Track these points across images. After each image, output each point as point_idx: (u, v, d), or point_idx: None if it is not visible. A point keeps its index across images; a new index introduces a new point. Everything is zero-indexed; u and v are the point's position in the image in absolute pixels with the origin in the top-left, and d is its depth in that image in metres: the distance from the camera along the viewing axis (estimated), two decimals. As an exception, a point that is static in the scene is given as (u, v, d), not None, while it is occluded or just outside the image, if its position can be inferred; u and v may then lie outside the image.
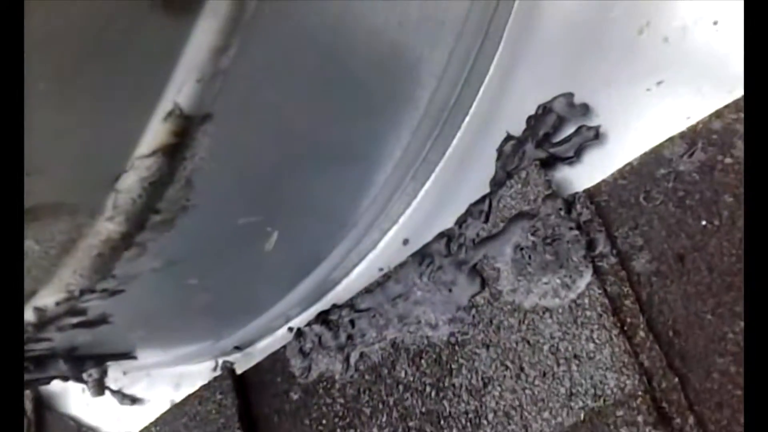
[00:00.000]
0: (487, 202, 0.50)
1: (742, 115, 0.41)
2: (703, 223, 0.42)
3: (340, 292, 0.60)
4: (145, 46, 0.35)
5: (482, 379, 0.49)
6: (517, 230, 0.48)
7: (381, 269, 0.58)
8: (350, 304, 0.57)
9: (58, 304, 0.41)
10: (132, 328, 0.50)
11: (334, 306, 0.59)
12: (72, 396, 0.78)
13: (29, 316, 0.43)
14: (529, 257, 0.47)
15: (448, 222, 0.53)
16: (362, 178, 0.52)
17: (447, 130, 0.54)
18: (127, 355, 0.55)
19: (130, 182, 0.38)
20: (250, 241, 0.48)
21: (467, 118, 0.54)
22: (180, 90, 0.37)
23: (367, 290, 0.56)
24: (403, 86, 0.49)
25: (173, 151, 0.39)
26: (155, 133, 0.37)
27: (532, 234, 0.47)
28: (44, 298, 0.42)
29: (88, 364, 0.51)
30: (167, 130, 0.38)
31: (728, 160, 0.41)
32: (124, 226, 0.39)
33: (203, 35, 0.37)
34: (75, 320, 0.44)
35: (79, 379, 0.64)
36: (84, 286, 0.41)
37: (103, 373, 0.55)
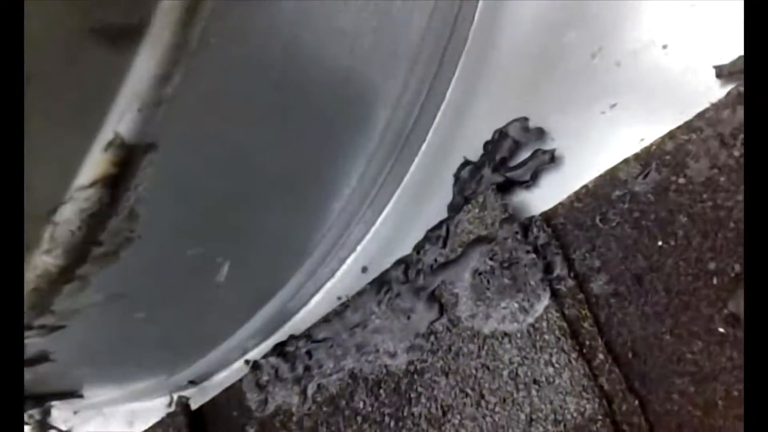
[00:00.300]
0: (444, 227, 0.49)
1: (694, 135, 0.41)
2: (659, 243, 0.41)
3: (298, 322, 0.59)
4: (84, 74, 0.34)
5: (442, 407, 0.47)
6: (475, 255, 0.47)
7: (339, 298, 0.56)
8: (307, 335, 0.56)
9: (-9, 342, 0.39)
10: (76, 365, 0.47)
11: (291, 337, 0.57)
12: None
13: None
14: (488, 282, 0.46)
15: (407, 248, 0.52)
16: (318, 207, 0.51)
17: (404, 157, 0.53)
18: (73, 394, 0.53)
19: (68, 214, 0.36)
20: (200, 272, 0.46)
21: (424, 145, 0.54)
22: (121, 119, 0.36)
23: (325, 320, 0.55)
24: (358, 114, 0.48)
25: (115, 182, 0.37)
26: (95, 163, 0.36)
27: (490, 258, 0.46)
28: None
29: (28, 404, 0.48)
30: (108, 161, 0.36)
31: (681, 180, 0.41)
32: (63, 260, 0.37)
33: (144, 64, 0.35)
34: (13, 360, 0.42)
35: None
36: (21, 323, 0.39)
37: (46, 414, 0.52)
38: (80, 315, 0.42)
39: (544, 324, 0.43)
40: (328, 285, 0.57)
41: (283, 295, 0.56)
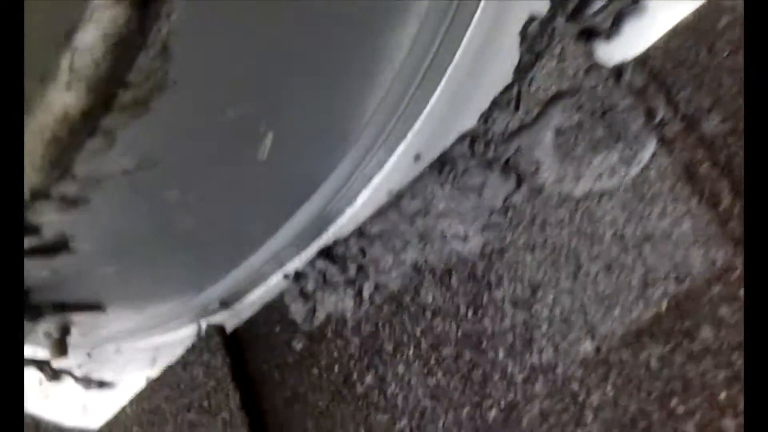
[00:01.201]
0: (515, 88, 0.43)
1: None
2: (784, 67, 0.36)
3: (343, 226, 0.52)
4: None
5: (529, 286, 0.41)
6: (557, 112, 0.41)
7: (390, 192, 0.50)
8: (358, 231, 0.49)
9: (4, 212, 0.32)
10: (98, 261, 0.40)
11: (336, 242, 0.50)
12: (26, 389, 0.67)
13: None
14: (575, 138, 0.40)
15: (465, 129, 0.45)
16: (365, 79, 0.44)
17: (458, 21, 0.47)
18: (95, 307, 0.45)
19: (90, 38, 0.29)
20: (242, 141, 0.39)
21: (481, 4, 0.47)
22: None
23: (378, 213, 0.48)
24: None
25: (144, 5, 0.30)
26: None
27: (577, 111, 0.40)
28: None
29: (46, 313, 0.41)
30: (139, -24, 0.29)
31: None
32: (86, 99, 0.30)
33: None
34: (27, 242, 0.35)
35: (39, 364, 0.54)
36: (36, 186, 0.32)
37: (65, 331, 0.44)
38: (105, 188, 0.35)
39: (652, 173, 0.37)
40: (377, 179, 0.51)
41: (326, 190, 0.49)
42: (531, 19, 0.45)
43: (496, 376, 0.42)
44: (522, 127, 0.42)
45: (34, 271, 0.37)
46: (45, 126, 0.30)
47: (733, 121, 0.37)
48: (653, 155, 0.38)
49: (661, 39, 0.40)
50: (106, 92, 0.31)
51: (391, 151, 0.50)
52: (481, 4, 0.48)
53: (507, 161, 0.43)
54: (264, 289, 0.55)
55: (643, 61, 0.39)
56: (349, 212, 0.52)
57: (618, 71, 0.39)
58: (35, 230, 0.34)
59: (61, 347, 0.44)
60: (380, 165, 0.50)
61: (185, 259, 0.48)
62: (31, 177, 0.31)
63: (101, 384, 0.62)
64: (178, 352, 0.56)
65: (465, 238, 0.44)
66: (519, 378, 0.41)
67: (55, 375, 0.60)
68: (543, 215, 0.41)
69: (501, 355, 0.42)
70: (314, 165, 0.47)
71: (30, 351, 0.57)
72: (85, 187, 0.34)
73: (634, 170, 0.38)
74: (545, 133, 0.41)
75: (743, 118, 0.36)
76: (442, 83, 0.49)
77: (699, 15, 0.38)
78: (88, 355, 0.62)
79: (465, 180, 0.44)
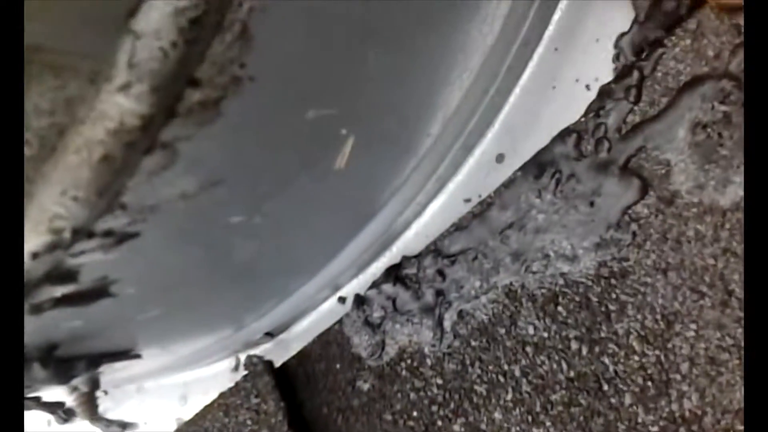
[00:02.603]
0: (635, 73, 0.36)
1: None
2: None
3: (410, 241, 0.45)
4: None
5: (663, 317, 0.34)
6: (694, 102, 0.34)
7: (468, 200, 0.43)
8: (434, 250, 0.42)
9: (35, 256, 0.24)
10: (144, 304, 0.33)
11: (406, 258, 0.43)
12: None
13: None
14: (720, 135, 0.33)
15: (562, 123, 0.39)
16: (448, 68, 0.37)
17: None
18: (129, 354, 0.38)
19: (159, 18, 0.22)
20: (321, 148, 0.32)
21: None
22: None
23: (458, 227, 0.41)
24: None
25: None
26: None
27: (721, 102, 0.33)
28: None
29: (78, 368, 0.34)
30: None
31: None
32: (148, 103, 0.23)
33: None
34: (61, 291, 0.27)
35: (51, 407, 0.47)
36: (79, 222, 0.25)
37: (94, 384, 0.37)
38: (160, 214, 0.28)
39: (829, 177, 0.31)
40: (450, 186, 0.44)
41: (396, 204, 0.42)
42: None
43: (622, 428, 0.35)
44: (646, 121, 0.36)
45: (65, 322, 0.29)
46: (94, 142, 0.23)
47: None
48: (829, 155, 0.31)
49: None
50: (173, 94, 0.24)
51: (468, 152, 0.43)
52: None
53: (627, 163, 0.36)
54: (315, 316, 0.48)
55: (803, 38, 0.33)
56: (417, 225, 0.45)
57: (773, 51, 0.33)
58: (72, 276, 0.27)
59: (90, 405, 0.37)
60: (455, 168, 0.43)
61: (236, 295, 0.41)
62: (75, 209, 0.24)
63: (123, 426, 0.55)
64: (212, 388, 0.49)
65: (573, 258, 0.37)
66: (653, 430, 0.34)
67: (67, 417, 0.53)
68: (678, 230, 0.34)
69: (628, 401, 0.35)
70: (389, 172, 0.40)
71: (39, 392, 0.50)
72: (135, 218, 0.27)
73: (804, 174, 0.31)
74: (677, 130, 0.35)
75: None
76: (529, 69, 0.42)
77: None
78: (105, 392, 0.55)
79: (571, 186, 0.38)
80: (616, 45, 0.37)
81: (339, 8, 0.28)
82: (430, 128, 0.39)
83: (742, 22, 0.33)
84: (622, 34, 0.37)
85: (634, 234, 0.36)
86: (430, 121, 0.39)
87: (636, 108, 0.36)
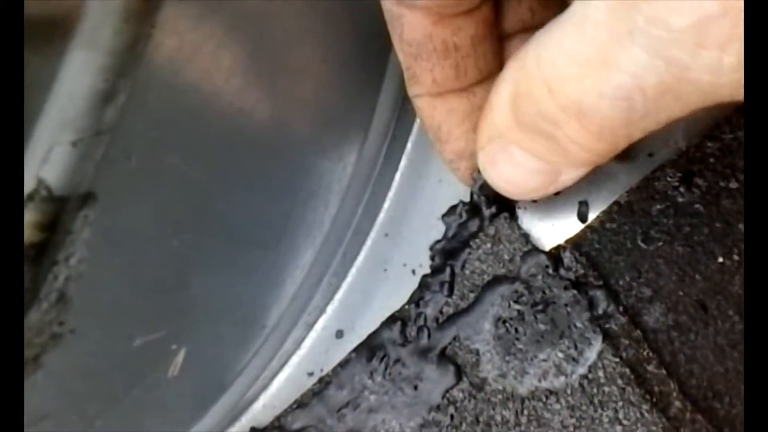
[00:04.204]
0: (448, 270, 0.42)
1: (740, 133, 0.37)
2: (720, 260, 0.37)
3: (258, 413, 0.48)
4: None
5: (479, 496, 0.39)
6: (495, 299, 0.40)
7: (311, 373, 0.46)
8: (278, 426, 0.45)
9: None
10: None
11: (254, 430, 0.46)
12: None
13: None
14: (517, 330, 0.39)
15: (393, 303, 0.43)
16: (285, 260, 0.42)
17: (378, 188, 0.45)
18: None
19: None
20: (151, 364, 0.35)
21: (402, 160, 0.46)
22: (47, 159, 0.25)
23: (300, 404, 0.45)
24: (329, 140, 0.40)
25: (38, 254, 0.26)
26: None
27: (516, 301, 0.39)
28: None
29: None
30: (29, 223, 0.25)
31: (733, 185, 0.37)
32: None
33: (78, 76, 0.25)
34: None
35: None
36: None
37: None
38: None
39: (601, 373, 0.37)
40: (295, 359, 0.47)
41: (242, 383, 0.45)
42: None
43: None
44: (458, 314, 0.41)
45: None
46: None
47: (675, 313, 0.37)
48: (600, 352, 0.37)
49: (596, 219, 0.40)
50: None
51: (310, 327, 0.47)
52: (397, 175, 0.47)
53: (444, 351, 0.41)
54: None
55: (578, 246, 0.39)
56: (264, 397, 0.48)
57: (556, 257, 0.39)
58: None
59: None
60: (298, 343, 0.47)
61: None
62: None
63: None
64: None
65: (402, 437, 0.41)
66: None
67: None
68: (487, 414, 0.39)
69: None
70: (230, 360, 0.43)
71: None
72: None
73: (581, 369, 0.37)
74: (483, 323, 0.40)
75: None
76: (364, 251, 0.47)
77: (631, 199, 0.39)
78: None
79: (398, 370, 0.42)
80: (431, 248, 0.43)
81: (155, 252, 0.31)
82: (266, 321, 0.42)
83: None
84: (437, 242, 0.43)
85: (452, 416, 0.40)
86: (265, 314, 0.42)
87: (449, 300, 0.41)
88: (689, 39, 0.22)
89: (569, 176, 0.31)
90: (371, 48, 0.40)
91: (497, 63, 0.35)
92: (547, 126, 0.28)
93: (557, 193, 0.36)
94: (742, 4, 0.21)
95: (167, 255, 0.33)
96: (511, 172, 0.32)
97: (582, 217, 0.40)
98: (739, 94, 0.23)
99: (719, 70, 0.23)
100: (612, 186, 0.41)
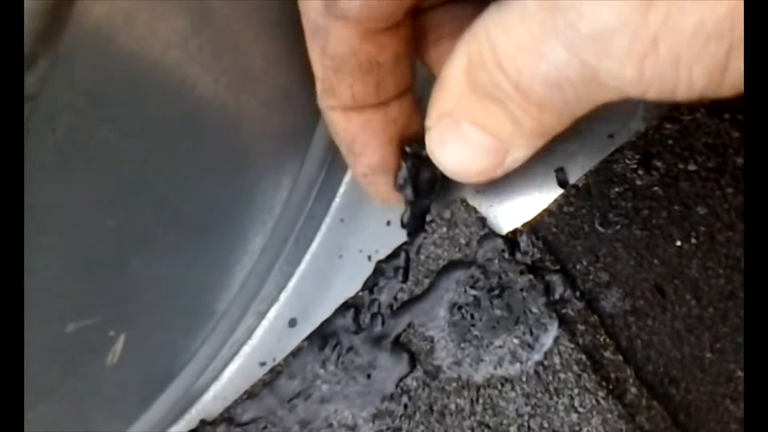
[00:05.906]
0: (402, 255, 0.41)
1: (698, 114, 0.37)
2: (678, 243, 0.36)
3: (209, 403, 0.46)
4: None
5: (432, 487, 0.38)
6: (450, 284, 0.39)
7: (263, 363, 0.45)
8: (227, 418, 0.44)
9: None
10: None
11: (203, 423, 0.45)
12: None
13: None
14: (472, 316, 0.38)
15: (348, 290, 0.43)
16: (232, 245, 0.41)
17: (333, 171, 0.44)
18: None
19: None
20: (87, 352, 0.33)
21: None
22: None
23: (250, 395, 0.44)
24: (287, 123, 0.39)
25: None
26: None
27: (472, 287, 0.39)
28: None
29: None
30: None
31: (692, 167, 0.37)
32: None
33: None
34: None
35: None
36: None
37: None
38: None
39: (557, 360, 0.36)
40: (246, 348, 0.46)
41: (190, 373, 0.44)
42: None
43: None
44: (412, 300, 0.40)
45: None
46: None
47: (632, 298, 0.37)
48: (556, 338, 0.37)
49: (554, 202, 0.39)
50: None
51: (261, 316, 0.46)
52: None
53: (398, 338, 0.40)
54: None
55: (534, 230, 0.39)
56: (215, 388, 0.47)
57: (512, 242, 0.39)
58: None
59: None
60: (249, 332, 0.46)
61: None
62: None
63: None
64: None
65: (354, 427, 0.41)
66: None
67: None
68: (441, 402, 0.39)
69: None
70: (177, 348, 0.42)
71: None
72: None
73: (537, 356, 0.37)
74: (438, 309, 0.39)
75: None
76: (318, 239, 0.46)
77: (590, 181, 0.39)
78: None
79: (351, 358, 0.41)
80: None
81: (87, 233, 0.30)
82: (214, 308, 0.41)
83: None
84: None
85: (405, 405, 0.40)
86: (213, 301, 0.41)
87: (404, 286, 0.41)
88: (593, 47, 0.24)
89: (516, 156, 0.31)
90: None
91: (413, 79, 0.36)
92: (499, 93, 0.28)
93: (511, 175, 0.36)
94: (639, 20, 0.22)
95: (100, 236, 0.31)
96: (460, 152, 0.31)
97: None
98: (658, 96, 0.25)
99: (623, 80, 0.24)
100: (572, 168, 0.41)
